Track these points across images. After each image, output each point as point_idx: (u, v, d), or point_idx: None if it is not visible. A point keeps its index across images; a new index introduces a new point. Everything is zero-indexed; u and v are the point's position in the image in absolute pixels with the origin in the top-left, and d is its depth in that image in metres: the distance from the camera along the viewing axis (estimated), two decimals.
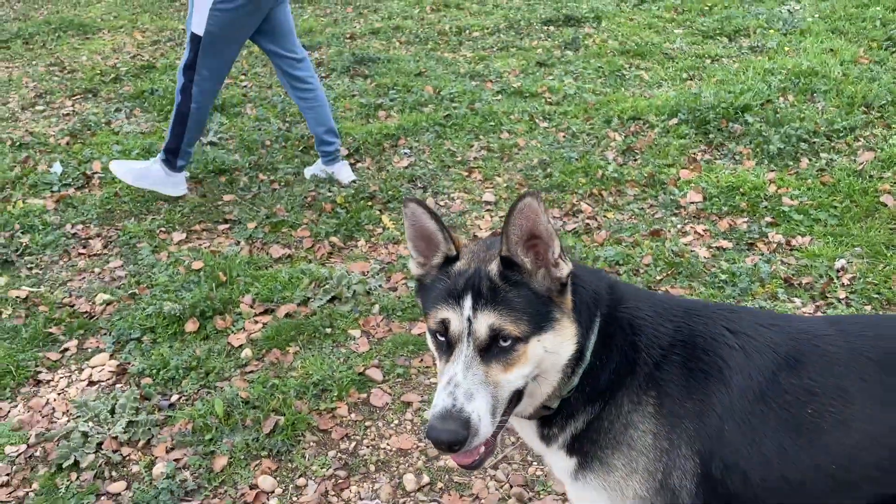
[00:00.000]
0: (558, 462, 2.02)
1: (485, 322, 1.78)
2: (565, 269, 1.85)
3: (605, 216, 5.24)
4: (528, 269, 1.84)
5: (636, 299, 2.00)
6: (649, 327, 1.92)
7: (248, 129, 6.79)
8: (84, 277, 4.79)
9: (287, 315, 4.27)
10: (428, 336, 1.96)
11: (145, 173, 5.44)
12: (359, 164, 6.16)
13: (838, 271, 4.33)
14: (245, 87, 7.95)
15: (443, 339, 1.85)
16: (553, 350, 1.83)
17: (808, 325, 1.93)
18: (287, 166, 6.07)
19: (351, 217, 5.29)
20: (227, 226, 5.29)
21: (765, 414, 1.78)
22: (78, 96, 7.79)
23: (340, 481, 3.25)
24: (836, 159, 5.57)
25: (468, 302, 1.79)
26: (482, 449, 1.81)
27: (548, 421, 1.98)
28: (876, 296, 4.10)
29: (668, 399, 1.85)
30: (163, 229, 5.24)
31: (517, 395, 1.85)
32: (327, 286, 4.44)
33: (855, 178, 5.22)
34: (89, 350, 4.13)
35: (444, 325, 1.82)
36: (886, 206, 4.91)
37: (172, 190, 5.51)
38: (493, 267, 1.85)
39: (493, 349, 1.78)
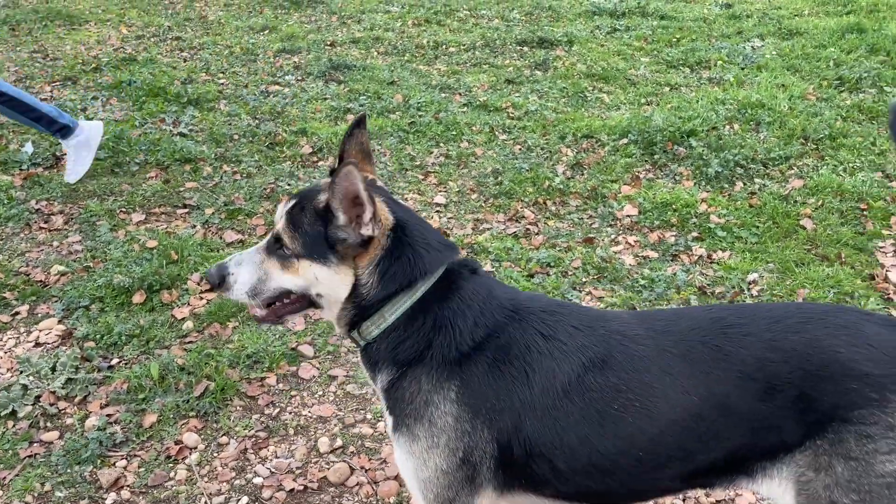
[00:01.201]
0: (383, 405, 2.25)
1: (277, 227, 2.20)
2: (366, 231, 2.08)
3: (545, 223, 5.54)
4: (341, 219, 2.07)
5: (475, 284, 2.18)
6: (470, 319, 2.11)
7: (218, 123, 7.06)
8: (42, 250, 5.01)
9: None
10: None
11: (82, 154, 5.71)
12: (321, 162, 6.44)
13: (749, 283, 4.64)
14: (222, 84, 8.22)
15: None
16: (324, 280, 2.15)
17: (621, 325, 2.10)
18: (251, 159, 6.34)
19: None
20: (185, 210, 5.54)
21: (568, 409, 1.99)
22: (57, 82, 8.03)
23: (260, 441, 3.49)
24: (767, 184, 5.92)
25: (282, 210, 2.22)
26: (258, 311, 2.28)
27: (369, 358, 2.22)
28: None
29: (470, 391, 2.05)
30: (123, 210, 5.49)
31: (304, 300, 2.22)
32: None
33: (780, 203, 5.56)
34: (39, 315, 4.35)
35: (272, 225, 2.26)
36: (805, 228, 5.24)
37: (96, 132, 5.80)
38: (317, 200, 2.13)
39: (273, 249, 2.20)
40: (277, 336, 4.17)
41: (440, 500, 2.13)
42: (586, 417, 1.99)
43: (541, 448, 2.03)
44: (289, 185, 5.89)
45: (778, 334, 1.93)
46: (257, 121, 7.21)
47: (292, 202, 2.21)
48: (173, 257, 4.78)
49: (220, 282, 2.24)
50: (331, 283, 2.16)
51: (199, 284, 4.60)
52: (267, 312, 2.27)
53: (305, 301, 2.23)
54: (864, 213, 5.42)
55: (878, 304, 4.40)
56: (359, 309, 2.18)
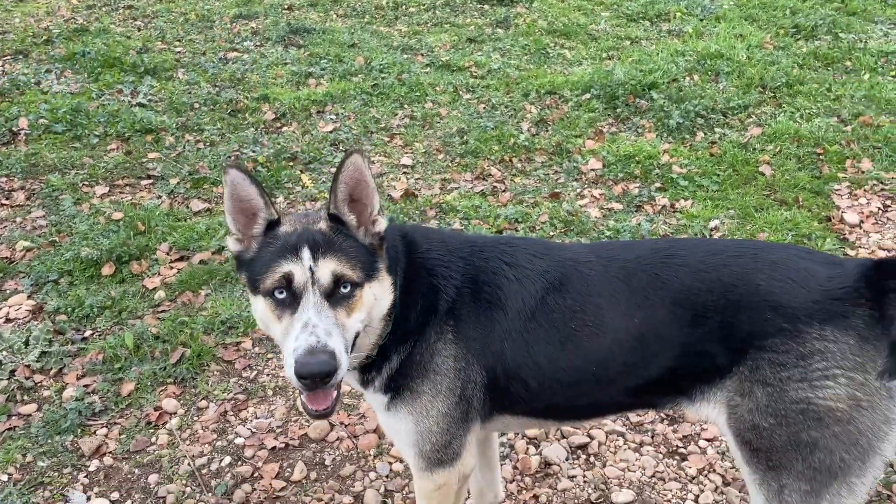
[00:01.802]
0: (375, 399, 2.26)
1: (327, 268, 1.92)
2: (382, 224, 2.09)
3: (512, 180, 5.60)
4: (353, 224, 2.06)
5: (428, 242, 2.24)
6: (442, 267, 2.18)
7: (178, 92, 6.95)
8: (5, 226, 4.94)
9: (201, 262, 4.53)
10: (261, 303, 2.00)
11: None
12: (284, 128, 6.39)
13: (711, 230, 4.77)
14: (179, 52, 8.06)
15: (283, 295, 1.93)
16: (380, 297, 2.03)
17: (574, 252, 2.23)
18: (213, 127, 6.27)
19: (272, 175, 5.54)
20: (149, 181, 5.49)
21: (536, 330, 2.11)
22: (8, 56, 7.81)
23: (240, 403, 3.54)
24: (727, 133, 6.03)
25: (306, 253, 1.93)
26: (335, 393, 1.94)
27: (367, 367, 2.19)
28: None
29: (463, 325, 2.14)
30: (86, 183, 5.42)
31: (353, 343, 2.01)
32: None
33: (740, 151, 5.68)
34: (7, 291, 4.31)
35: (287, 278, 1.91)
36: (764, 175, 5.38)
37: None
38: (322, 224, 2.03)
39: (336, 295, 1.93)
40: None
41: (437, 447, 2.20)
42: (550, 337, 2.10)
43: (516, 369, 2.14)
44: (253, 151, 5.86)
45: (709, 266, 2.03)
46: (217, 88, 7.11)
47: (314, 236, 1.97)
48: (140, 228, 4.75)
49: (336, 367, 1.83)
50: (383, 296, 2.04)
51: (168, 254, 4.59)
52: (336, 399, 1.97)
53: (352, 346, 2.00)
54: (821, 157, 5.57)
55: (833, 245, 4.56)
56: (390, 311, 2.10)
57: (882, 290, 1.88)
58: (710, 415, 2.08)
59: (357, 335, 1.99)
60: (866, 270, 1.93)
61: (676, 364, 2.05)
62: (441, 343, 2.14)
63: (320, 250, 1.94)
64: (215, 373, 3.73)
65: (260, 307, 2.00)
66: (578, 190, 5.41)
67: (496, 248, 2.24)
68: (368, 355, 2.14)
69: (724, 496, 2.99)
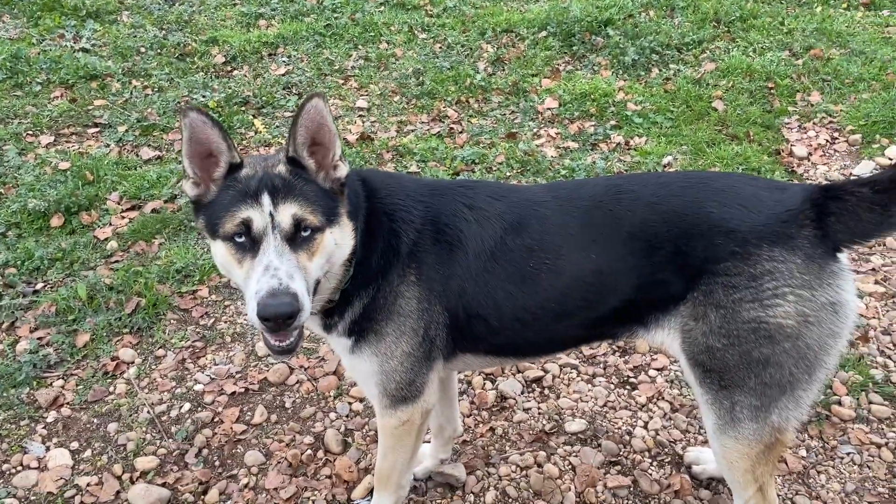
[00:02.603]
0: (338, 343, 2.26)
1: (287, 212, 1.91)
2: (343, 169, 2.06)
3: (469, 121, 5.57)
4: (312, 169, 2.03)
5: (387, 187, 2.24)
6: (403, 211, 2.18)
7: (122, 36, 6.70)
8: None
9: (154, 210, 4.45)
10: (220, 248, 1.98)
11: None
12: (235, 72, 6.23)
13: (664, 166, 4.83)
14: None
15: (243, 240, 1.92)
16: (341, 243, 2.01)
17: (531, 193, 2.24)
18: (161, 72, 6.09)
19: (224, 121, 5.42)
20: (96, 129, 5.34)
21: (496, 270, 2.14)
22: None
23: (198, 351, 3.55)
24: (681, 69, 6.05)
25: (266, 199, 1.91)
26: (296, 332, 1.93)
27: (329, 311, 2.18)
28: None
29: (426, 267, 2.16)
30: (30, 132, 5.25)
31: (314, 288, 1.98)
32: None
33: (693, 86, 5.71)
34: None
35: (246, 224, 1.90)
36: (717, 110, 5.42)
37: None
38: (282, 167, 2.00)
39: (297, 239, 1.92)
40: (206, 249, 4.16)
41: (401, 386, 2.24)
42: (509, 276, 2.14)
43: (477, 308, 2.17)
44: (203, 96, 5.72)
45: (661, 198, 2.08)
46: (164, 31, 6.87)
47: (273, 180, 1.94)
48: (89, 178, 4.64)
49: (299, 308, 1.82)
50: (344, 241, 2.03)
51: (118, 204, 4.50)
52: (298, 336, 1.95)
53: (314, 291, 1.97)
54: (772, 91, 5.63)
55: (782, 177, 4.65)
56: (351, 257, 2.09)
57: (826, 211, 1.95)
58: (664, 341, 2.15)
59: (318, 280, 1.98)
60: (811, 194, 1.99)
61: (633, 295, 2.11)
62: (404, 286, 2.16)
63: (280, 195, 1.92)
64: (172, 321, 3.72)
65: (220, 252, 1.99)
66: (535, 129, 5.41)
67: (455, 190, 2.25)
68: (331, 299, 2.14)
69: (672, 421, 3.11)
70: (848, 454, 2.93)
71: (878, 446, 2.96)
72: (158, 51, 6.48)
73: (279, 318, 1.79)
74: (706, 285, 2.01)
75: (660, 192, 2.09)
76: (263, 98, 5.75)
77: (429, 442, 2.93)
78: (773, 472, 2.22)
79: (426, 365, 2.25)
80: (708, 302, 2.01)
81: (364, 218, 2.15)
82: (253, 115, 5.56)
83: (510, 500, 2.81)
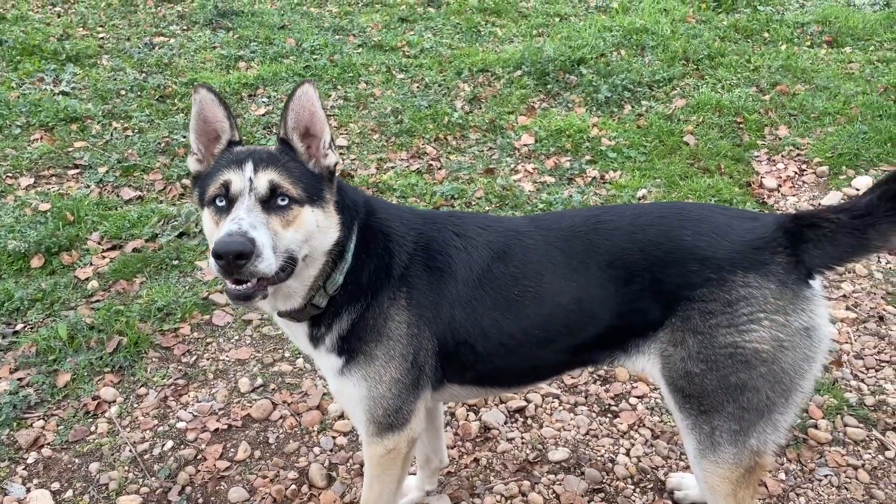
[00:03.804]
0: (327, 362, 2.24)
1: (265, 178, 1.97)
2: (333, 158, 2.13)
3: (447, 157, 5.67)
4: (301, 152, 2.10)
5: (385, 210, 2.31)
6: (398, 234, 2.24)
7: (102, 78, 6.76)
8: None
9: (135, 250, 4.46)
10: (205, 214, 2.04)
11: None
12: None
13: (639, 199, 4.94)
14: (102, 38, 7.83)
15: (223, 203, 1.98)
16: (323, 227, 2.04)
17: (515, 224, 2.31)
18: (141, 114, 6.14)
19: None
20: (77, 171, 5.36)
21: (483, 298, 2.19)
22: None
23: (180, 388, 3.54)
24: (653, 105, 6.22)
25: (249, 165, 1.98)
26: (254, 279, 1.89)
27: (316, 321, 2.20)
28: None
29: (416, 292, 2.20)
30: (10, 175, 5.25)
31: (291, 265, 1.99)
32: (176, 223, 4.65)
33: (665, 122, 5.87)
34: None
35: (226, 185, 1.97)
36: (688, 144, 5.58)
37: None
38: (272, 147, 2.11)
39: (273, 204, 1.96)
40: (187, 287, 4.18)
41: (389, 413, 2.25)
42: (495, 303, 2.19)
43: (465, 336, 2.21)
44: (183, 137, 5.77)
45: (637, 228, 2.14)
46: (144, 74, 6.95)
47: (261, 154, 2.03)
48: (69, 218, 4.65)
49: (251, 250, 1.82)
50: (328, 228, 2.06)
51: (99, 244, 4.51)
52: (256, 284, 1.92)
53: (290, 268, 1.99)
54: (741, 126, 5.81)
55: (754, 208, 4.78)
56: (333, 256, 2.12)
57: (802, 238, 2.02)
58: (645, 367, 2.19)
59: (293, 257, 1.99)
60: (783, 222, 2.07)
61: (613, 321, 2.15)
62: (394, 309, 2.19)
63: (262, 163, 1.99)
64: (154, 359, 3.71)
65: (205, 218, 2.05)
66: (512, 165, 5.52)
67: (447, 220, 2.32)
68: (317, 304, 2.15)
69: (654, 448, 3.15)
70: (826, 476, 2.98)
71: (855, 468, 3.01)
72: (139, 93, 6.54)
73: (230, 254, 1.80)
74: (683, 311, 2.06)
75: (636, 222, 2.16)
76: (244, 137, 5.81)
77: (414, 474, 2.94)
78: (754, 495, 2.25)
79: (414, 393, 2.26)
80: (686, 328, 2.07)
81: (359, 229, 2.20)
82: None
83: None
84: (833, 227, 2.00)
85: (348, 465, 3.11)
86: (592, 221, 2.21)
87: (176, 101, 6.43)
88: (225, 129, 2.12)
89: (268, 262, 1.87)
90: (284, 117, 2.08)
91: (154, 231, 4.60)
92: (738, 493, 2.20)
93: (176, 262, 4.39)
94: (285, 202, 1.98)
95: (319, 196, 2.07)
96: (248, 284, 1.91)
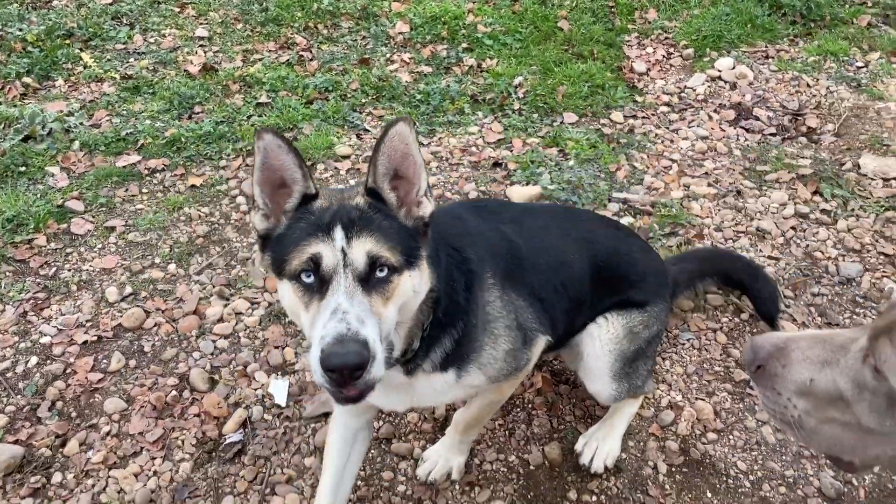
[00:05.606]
0: (428, 383, 2.05)
1: (362, 249, 1.66)
2: (428, 207, 1.83)
3: (319, 48, 5.39)
4: (393, 203, 1.80)
5: (444, 221, 2.10)
6: (465, 246, 2.08)
7: None
8: None
9: None
10: (287, 288, 1.73)
11: None
12: (55, 1, 5.66)
13: (516, 87, 4.92)
14: None
15: (311, 279, 1.67)
16: (419, 290, 1.78)
17: (515, 210, 2.63)
18: None
19: (46, 56, 4.94)
20: None
21: (538, 264, 2.35)
22: None
23: (40, 302, 3.31)
24: None
25: (339, 233, 1.66)
26: (364, 386, 1.64)
27: (408, 360, 1.97)
28: (542, 105, 4.76)
29: (496, 272, 2.15)
30: None
31: (389, 347, 1.74)
32: (18, 126, 4.22)
33: (540, 7, 5.80)
34: None
35: (315, 260, 1.65)
36: (562, 30, 5.56)
37: None
38: (359, 199, 1.76)
39: (372, 280, 1.67)
40: (39, 195, 3.84)
41: (509, 368, 2.19)
42: (535, 266, 2.35)
43: (539, 292, 2.31)
44: (20, 30, 5.16)
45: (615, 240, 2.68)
46: None
47: (349, 213, 1.70)
48: None
49: (368, 357, 1.55)
50: (422, 288, 1.79)
51: None
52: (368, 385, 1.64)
53: (388, 349, 1.72)
54: (613, 10, 5.83)
55: (624, 92, 4.88)
56: (429, 307, 1.90)
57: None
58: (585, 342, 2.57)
59: (389, 334, 1.73)
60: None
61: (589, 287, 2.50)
62: (489, 295, 2.10)
63: (355, 228, 1.67)
64: (7, 274, 3.43)
65: (287, 293, 1.73)
66: (388, 55, 5.32)
67: (495, 214, 2.42)
68: (406, 349, 1.93)
69: None
70: (688, 340, 3.21)
71: (714, 331, 3.26)
72: None
73: (345, 369, 1.54)
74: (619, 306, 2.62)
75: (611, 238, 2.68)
76: (90, 30, 5.28)
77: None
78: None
79: (526, 345, 2.23)
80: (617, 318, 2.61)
81: (445, 263, 1.98)
82: (80, 49, 5.10)
83: None
84: None
85: (231, 367, 3.05)
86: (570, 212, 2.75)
87: None
88: (296, 178, 1.75)
89: (380, 363, 1.60)
90: (374, 162, 1.74)
91: None
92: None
93: (23, 169, 4.01)
94: (385, 273, 1.68)
95: (416, 255, 1.77)
96: (364, 388, 1.65)
